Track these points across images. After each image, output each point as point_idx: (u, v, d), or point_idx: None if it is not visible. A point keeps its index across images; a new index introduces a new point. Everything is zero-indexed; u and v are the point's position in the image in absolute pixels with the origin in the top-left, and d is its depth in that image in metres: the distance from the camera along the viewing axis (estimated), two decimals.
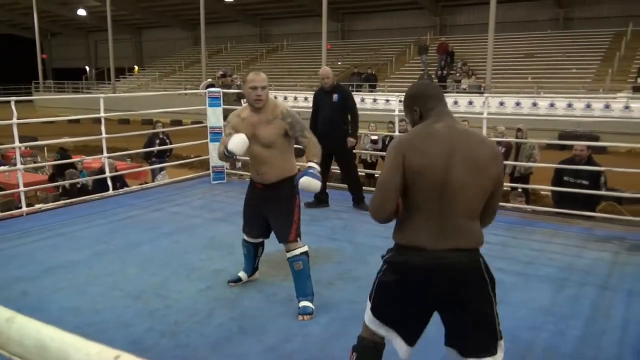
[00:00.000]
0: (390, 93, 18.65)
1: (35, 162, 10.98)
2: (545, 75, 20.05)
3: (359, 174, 6.15)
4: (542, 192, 8.34)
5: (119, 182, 8.14)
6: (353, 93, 6.71)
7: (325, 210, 5.47)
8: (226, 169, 7.02)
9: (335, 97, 5.57)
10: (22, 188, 5.38)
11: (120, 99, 21.33)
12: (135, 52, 38.84)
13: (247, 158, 3.49)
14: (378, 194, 1.93)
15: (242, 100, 8.30)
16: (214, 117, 6.83)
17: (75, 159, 8.41)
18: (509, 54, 22.34)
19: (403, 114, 2.18)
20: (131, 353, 0.92)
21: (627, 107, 15.86)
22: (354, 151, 6.00)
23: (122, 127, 19.77)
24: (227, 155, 3.11)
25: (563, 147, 10.58)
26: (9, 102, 5.15)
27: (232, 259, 3.99)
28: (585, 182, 5.53)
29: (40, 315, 3.02)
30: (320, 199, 5.58)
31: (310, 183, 3.02)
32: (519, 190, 6.85)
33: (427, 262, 1.82)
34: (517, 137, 7.71)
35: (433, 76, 20.56)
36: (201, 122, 7.42)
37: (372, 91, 21.52)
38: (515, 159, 7.57)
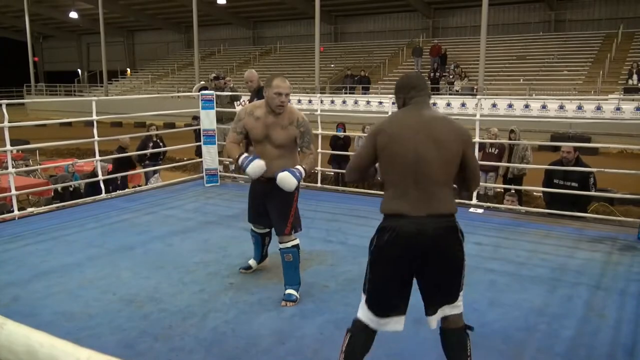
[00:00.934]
0: (383, 95, 18.70)
1: (27, 166, 10.91)
2: (537, 77, 20.18)
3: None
4: (534, 193, 8.39)
5: (118, 184, 8.13)
6: (346, 95, 6.66)
7: (319, 213, 5.47)
8: (220, 171, 7.01)
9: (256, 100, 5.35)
10: (13, 192, 5.35)
11: (113, 101, 21.31)
12: (127, 55, 38.74)
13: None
14: (353, 162, 2.36)
15: (235, 103, 8.29)
16: (207, 119, 6.81)
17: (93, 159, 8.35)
18: (501, 56, 22.48)
19: None
20: (124, 357, 0.92)
21: (618, 109, 15.99)
22: (348, 153, 5.98)
23: (114, 130, 19.70)
24: (238, 167, 3.24)
25: (556, 149, 10.63)
26: (0, 105, 5.12)
27: (226, 262, 3.98)
28: (574, 184, 5.57)
29: (33, 320, 3.01)
30: None
31: (286, 179, 3.20)
32: (512, 191, 6.90)
33: (410, 226, 2.11)
34: (510, 139, 7.75)
35: (426, 78, 20.60)
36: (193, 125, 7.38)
37: (365, 93, 21.57)
38: (509, 161, 7.61)
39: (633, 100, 16.17)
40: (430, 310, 2.19)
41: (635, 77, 17.46)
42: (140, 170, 9.06)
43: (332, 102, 20.96)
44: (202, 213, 5.52)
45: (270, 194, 3.36)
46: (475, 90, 18.90)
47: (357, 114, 17.92)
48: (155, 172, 8.68)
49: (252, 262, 3.81)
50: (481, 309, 3.06)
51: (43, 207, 6.45)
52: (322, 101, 20.01)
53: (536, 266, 3.94)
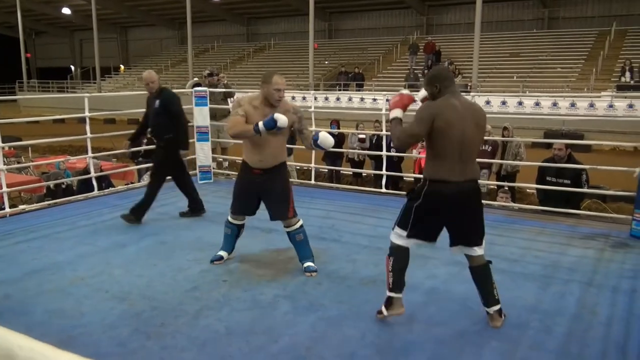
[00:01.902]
0: (378, 92, 18.70)
1: (19, 163, 10.83)
2: (530, 74, 20.24)
3: (348, 173, 6.17)
4: (528, 190, 8.42)
5: (105, 182, 8.07)
6: (340, 92, 6.64)
7: (312, 210, 5.46)
8: (213, 168, 6.99)
9: (157, 102, 5.08)
10: (5, 189, 5.31)
11: (106, 98, 21.15)
12: (120, 51, 38.50)
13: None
14: (410, 133, 2.78)
15: (228, 100, 8.26)
16: (201, 116, 6.79)
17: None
18: (494, 53, 22.51)
19: (389, 113, 2.97)
20: (116, 356, 0.91)
21: (611, 106, 16.08)
22: (342, 150, 5.96)
23: (107, 126, 19.58)
24: (258, 131, 3.38)
25: (549, 146, 10.66)
26: None
27: None
28: (567, 182, 5.58)
29: (24, 319, 2.99)
30: (194, 209, 5.29)
31: (327, 137, 3.55)
32: (505, 188, 6.91)
33: (454, 189, 2.77)
34: (503, 136, 7.76)
35: (420, 75, 20.63)
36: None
37: (359, 90, 21.56)
38: (502, 158, 7.62)
39: (626, 97, 16.26)
40: (456, 243, 2.92)
41: (628, 74, 17.53)
42: (133, 167, 9.01)
43: (326, 99, 20.92)
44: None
45: (267, 184, 3.63)
46: (469, 87, 18.93)
47: (351, 110, 17.89)
48: (148, 169, 8.63)
49: (223, 253, 3.93)
50: (474, 306, 3.06)
51: (35, 205, 6.40)
52: (316, 98, 19.76)
53: (529, 263, 3.95)
